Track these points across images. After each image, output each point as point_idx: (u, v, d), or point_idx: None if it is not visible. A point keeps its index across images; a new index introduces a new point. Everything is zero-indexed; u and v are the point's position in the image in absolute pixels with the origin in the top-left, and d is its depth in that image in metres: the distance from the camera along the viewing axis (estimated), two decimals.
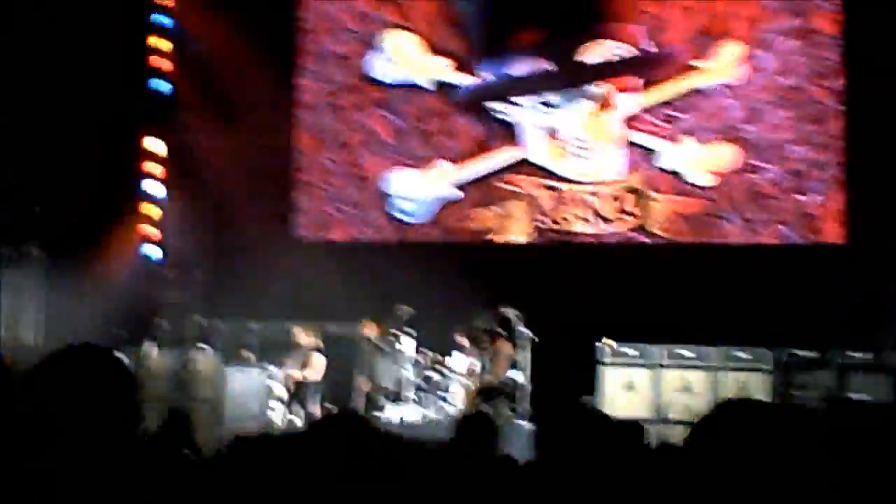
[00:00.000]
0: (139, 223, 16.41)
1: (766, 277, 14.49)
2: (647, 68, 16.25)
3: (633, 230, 16.15)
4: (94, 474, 2.43)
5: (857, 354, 13.08)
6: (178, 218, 16.17)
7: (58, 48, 14.65)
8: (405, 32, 16.83)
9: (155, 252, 16.42)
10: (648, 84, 16.17)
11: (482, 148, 16.55)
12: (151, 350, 13.80)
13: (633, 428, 6.59)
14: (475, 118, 16.55)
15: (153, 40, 16.52)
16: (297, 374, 13.63)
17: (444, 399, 13.74)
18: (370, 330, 13.98)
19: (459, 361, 13.91)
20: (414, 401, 13.69)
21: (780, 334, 13.48)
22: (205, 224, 15.93)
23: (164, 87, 16.59)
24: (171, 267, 15.78)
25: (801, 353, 13.34)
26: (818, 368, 13.13)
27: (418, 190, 16.67)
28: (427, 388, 13.73)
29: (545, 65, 16.35)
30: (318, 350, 14.08)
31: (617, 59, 16.16)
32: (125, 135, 15.95)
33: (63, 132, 14.77)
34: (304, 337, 14.05)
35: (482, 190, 16.54)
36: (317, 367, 13.89)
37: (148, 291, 15.38)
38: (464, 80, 16.59)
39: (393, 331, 13.94)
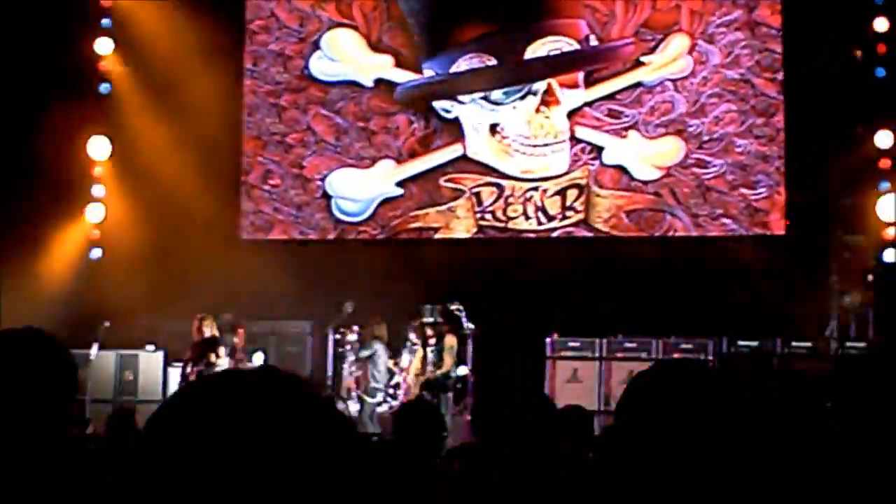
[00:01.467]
0: (84, 224, 16.64)
1: (707, 269, 14.76)
2: (590, 63, 16.56)
3: (576, 226, 16.39)
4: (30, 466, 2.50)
5: (798, 344, 13.67)
6: (122, 219, 16.46)
7: (7, 49, 15.20)
8: (346, 30, 17.10)
9: (99, 253, 16.61)
10: (592, 79, 16.45)
11: (425, 146, 16.82)
12: (95, 351, 14.21)
13: (576, 413, 6.92)
14: (417, 116, 16.85)
15: (100, 41, 16.77)
16: None
17: (390, 394, 14.23)
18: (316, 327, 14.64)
19: (405, 357, 14.39)
20: (359, 396, 14.22)
21: (722, 325, 13.86)
22: (149, 224, 16.18)
23: (106, 88, 16.86)
24: (116, 268, 16.00)
25: (742, 343, 13.93)
26: (759, 358, 13.64)
27: (360, 190, 16.89)
28: (374, 384, 14.17)
29: (488, 60, 16.61)
30: (258, 349, 14.58)
31: (560, 54, 16.45)
32: (71, 136, 16.12)
33: (9, 132, 15.27)
34: (239, 336, 14.52)
35: (425, 188, 16.78)
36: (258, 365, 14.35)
37: (92, 292, 15.64)
38: (406, 77, 16.85)
39: (339, 327, 14.53)
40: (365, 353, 14.37)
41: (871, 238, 14.31)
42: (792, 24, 15.56)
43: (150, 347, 14.88)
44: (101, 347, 13.95)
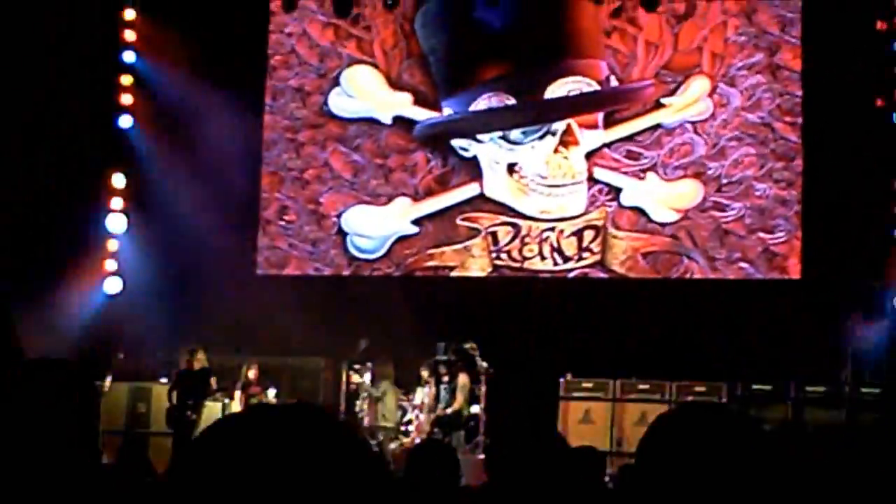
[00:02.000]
0: (101, 257, 17.02)
1: (722, 312, 14.98)
2: (610, 104, 16.86)
3: (592, 267, 16.62)
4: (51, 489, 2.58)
5: (813, 388, 13.88)
6: (139, 252, 16.87)
7: (29, 82, 15.64)
8: (365, 67, 17.48)
9: (116, 286, 16.95)
10: (612, 120, 16.74)
11: (442, 184, 17.14)
12: (108, 383, 14.53)
13: (588, 454, 6.95)
14: (435, 154, 17.19)
15: (122, 78, 17.29)
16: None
17: (402, 431, 14.49)
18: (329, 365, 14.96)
19: (419, 394, 14.68)
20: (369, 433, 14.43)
21: (737, 368, 14.03)
22: (165, 258, 16.53)
23: (126, 122, 17.29)
24: (132, 301, 16.34)
25: (757, 386, 14.12)
26: (774, 402, 13.81)
27: (376, 227, 17.19)
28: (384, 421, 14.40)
29: (507, 100, 16.97)
30: (271, 385, 14.94)
31: (580, 94, 16.75)
32: (90, 170, 16.59)
33: (28, 166, 15.56)
34: (254, 371, 14.87)
35: (441, 226, 17.06)
36: (271, 401, 14.65)
37: (108, 325, 16.02)
38: (424, 115, 17.19)
39: (353, 364, 14.86)
40: (376, 393, 14.65)
41: (888, 282, 14.54)
42: (812, 69, 15.78)
43: (164, 380, 15.16)
44: (114, 379, 14.29)
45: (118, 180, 17.14)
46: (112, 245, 17.12)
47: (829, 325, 14.04)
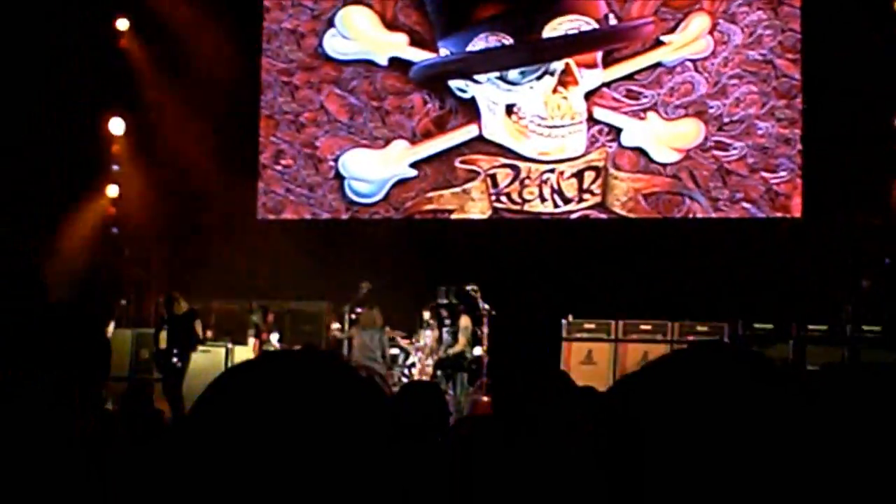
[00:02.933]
0: (102, 203, 17.65)
1: (724, 251, 15.51)
2: (609, 43, 17.38)
3: (593, 209, 17.21)
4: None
5: (815, 327, 14.61)
6: (139, 197, 17.45)
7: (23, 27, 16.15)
8: (360, 7, 17.99)
9: (116, 232, 17.61)
10: (611, 59, 17.25)
11: (439, 126, 17.68)
12: (111, 329, 15.25)
13: (589, 394, 7.89)
14: (432, 96, 17.72)
15: (119, 22, 17.77)
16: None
17: (406, 375, 15.12)
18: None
19: (422, 337, 15.34)
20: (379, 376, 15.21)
21: (738, 308, 14.63)
22: (166, 204, 17.19)
23: (125, 66, 17.74)
24: (132, 245, 17.10)
25: (759, 325, 14.85)
26: (776, 341, 14.53)
27: (374, 171, 17.79)
28: (389, 364, 15.18)
29: (504, 40, 17.45)
30: (275, 329, 15.70)
31: (579, 33, 17.25)
32: (90, 114, 17.17)
33: (27, 112, 16.03)
34: (270, 316, 15.68)
35: (439, 170, 17.64)
36: (275, 346, 15.44)
37: (109, 271, 16.73)
38: (421, 56, 17.71)
39: (355, 307, 15.60)
40: (341, 336, 15.37)
41: (890, 221, 15.17)
42: (812, 4, 16.31)
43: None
44: (116, 325, 15.02)
45: (117, 125, 17.69)
46: (112, 191, 17.71)
47: (830, 263, 14.77)
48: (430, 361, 14.99)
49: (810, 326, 14.35)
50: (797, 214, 16.52)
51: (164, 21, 17.51)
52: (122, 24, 17.76)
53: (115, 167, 17.64)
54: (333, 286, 15.84)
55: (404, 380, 14.82)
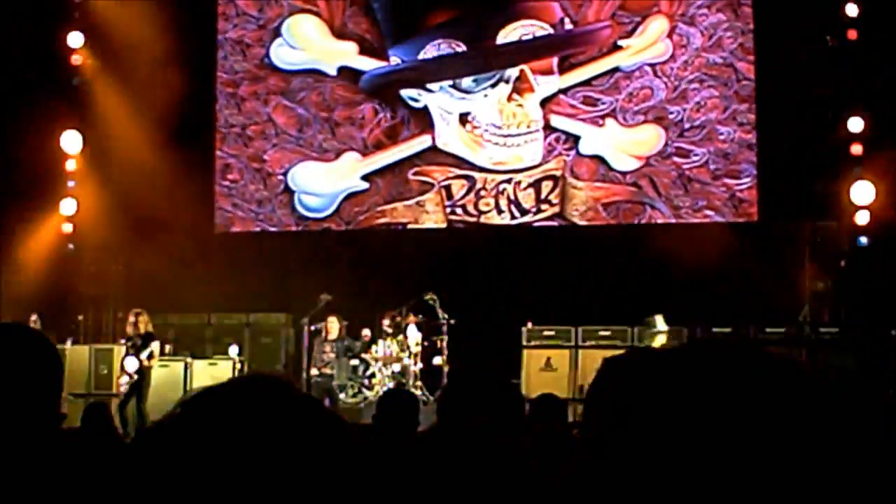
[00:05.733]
0: (58, 219, 19.58)
1: (681, 257, 16.93)
2: (565, 48, 19.35)
3: (551, 219, 19.15)
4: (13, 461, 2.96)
5: (772, 329, 16.54)
6: (96, 213, 19.36)
7: None
8: (308, 16, 19.94)
9: (73, 247, 19.54)
10: (567, 65, 19.21)
11: (391, 137, 19.58)
12: (69, 345, 17.18)
13: (548, 400, 8.46)
14: (384, 105, 19.65)
15: (72, 36, 19.69)
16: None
17: (365, 385, 17.19)
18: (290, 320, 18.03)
19: (380, 347, 17.35)
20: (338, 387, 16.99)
21: (696, 311, 16.64)
22: (123, 219, 19.03)
23: (79, 81, 19.77)
24: (90, 261, 19.05)
25: (717, 329, 16.59)
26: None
27: (324, 184, 19.72)
28: (349, 375, 17.24)
29: (457, 47, 19.40)
30: (233, 341, 18.10)
31: (533, 38, 19.23)
32: (44, 130, 19.13)
33: None
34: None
35: (392, 182, 19.54)
36: (234, 358, 17.59)
37: (66, 287, 18.70)
38: (371, 64, 19.62)
39: (315, 319, 17.38)
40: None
41: (844, 224, 17.30)
42: (764, 9, 18.35)
43: (124, 341, 18.00)
44: (74, 341, 17.38)
45: (73, 142, 19.68)
46: (68, 207, 19.66)
47: (786, 266, 16.87)
48: (389, 371, 17.13)
49: (768, 329, 16.86)
50: (755, 219, 18.52)
51: (117, 35, 19.44)
52: (75, 39, 19.75)
53: (71, 183, 19.59)
54: (293, 298, 17.92)
55: (365, 391, 17.24)
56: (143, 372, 16.00)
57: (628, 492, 1.76)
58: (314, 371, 16.93)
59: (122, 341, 16.79)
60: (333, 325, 17.14)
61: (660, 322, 16.79)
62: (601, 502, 1.80)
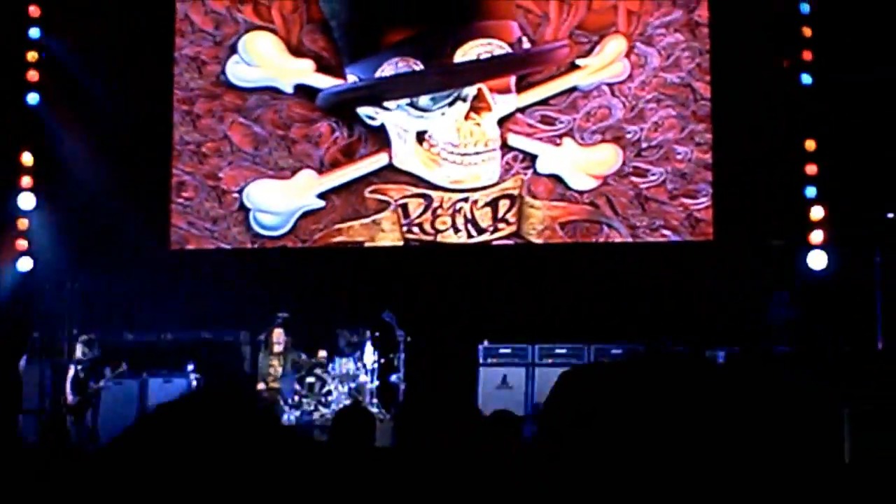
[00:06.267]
0: (12, 236, 19.99)
1: (638, 275, 18.20)
2: (523, 67, 19.93)
3: (508, 238, 19.69)
4: None
5: (727, 349, 16.97)
6: (50, 230, 19.89)
7: None
8: (264, 33, 20.45)
9: (28, 264, 19.91)
10: (525, 84, 19.78)
11: (348, 155, 20.08)
12: (23, 363, 17.59)
13: (503, 417, 8.76)
14: (340, 124, 20.16)
15: (29, 54, 20.11)
16: None
17: (321, 402, 17.65)
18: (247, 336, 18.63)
19: (337, 365, 17.90)
20: (291, 405, 17.58)
21: (653, 331, 17.17)
22: (78, 235, 19.58)
23: (33, 98, 20.17)
24: (45, 279, 19.34)
25: (676, 348, 17.68)
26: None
27: (280, 202, 20.21)
28: (304, 392, 17.72)
29: (415, 65, 19.96)
30: (190, 359, 18.60)
31: (491, 57, 19.78)
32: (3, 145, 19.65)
33: None
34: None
35: (348, 200, 20.01)
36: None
37: (21, 304, 19.18)
38: (328, 82, 20.13)
39: (279, 337, 18.04)
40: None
41: (798, 243, 17.97)
42: (720, 29, 19.10)
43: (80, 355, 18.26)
44: (29, 359, 17.68)
45: (27, 158, 20.07)
46: (23, 223, 20.07)
47: (741, 286, 17.50)
48: (345, 389, 17.63)
49: (723, 349, 17.50)
50: (711, 238, 19.12)
51: (72, 53, 20.14)
52: (32, 56, 20.23)
53: (26, 199, 20.03)
54: (250, 316, 18.47)
55: (322, 408, 17.79)
56: (96, 392, 16.52)
57: (583, 493, 1.91)
58: (261, 385, 17.49)
59: (72, 365, 17.36)
60: (278, 339, 17.82)
61: None
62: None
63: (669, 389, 1.98)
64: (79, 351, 17.58)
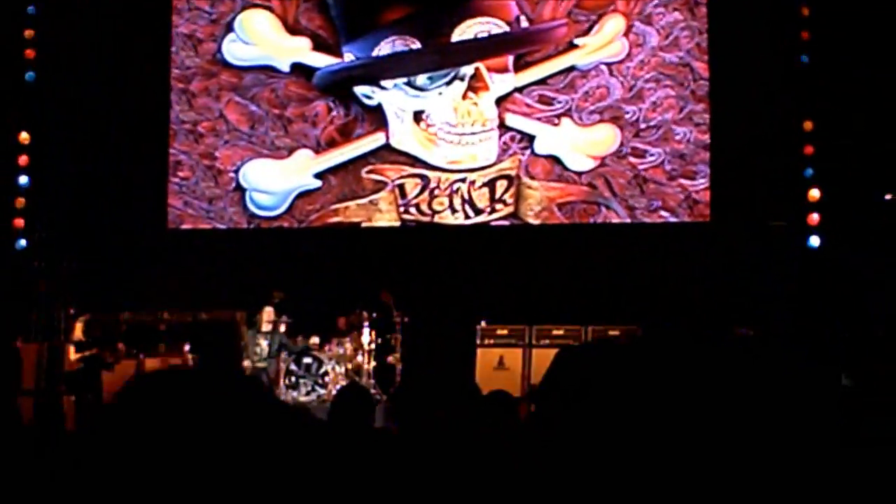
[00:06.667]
0: (10, 215, 20.38)
1: (636, 256, 18.56)
2: (521, 46, 20.25)
3: (505, 219, 19.99)
4: None
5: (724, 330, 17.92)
6: (48, 208, 20.26)
7: None
8: (261, 11, 20.75)
9: (25, 244, 20.31)
10: (522, 63, 20.08)
11: (345, 135, 20.39)
12: (19, 342, 18.26)
13: (499, 397, 9.05)
14: (337, 103, 20.48)
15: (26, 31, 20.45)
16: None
17: (319, 383, 18.09)
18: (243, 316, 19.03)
19: (334, 346, 18.33)
20: (287, 385, 18.02)
21: (650, 312, 17.48)
22: (75, 214, 19.97)
23: (29, 75, 20.50)
24: (40, 258, 19.66)
25: (671, 328, 18.33)
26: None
27: (276, 182, 20.53)
28: (302, 372, 18.16)
29: (412, 44, 20.28)
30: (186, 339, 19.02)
31: (489, 36, 20.11)
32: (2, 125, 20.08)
33: None
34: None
35: (345, 180, 20.34)
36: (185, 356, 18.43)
37: (18, 284, 19.48)
38: (324, 61, 20.42)
39: (269, 316, 18.40)
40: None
41: (797, 224, 18.37)
42: (718, 7, 19.42)
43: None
44: (25, 339, 17.99)
45: (24, 137, 20.44)
46: (20, 202, 20.47)
47: (739, 267, 17.97)
48: (342, 370, 18.09)
49: (721, 329, 17.89)
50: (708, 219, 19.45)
51: (69, 28, 20.38)
52: (28, 32, 20.58)
53: (23, 178, 20.50)
54: (247, 296, 18.80)
55: (319, 389, 18.23)
56: (95, 371, 16.94)
57: (579, 469, 1.94)
58: (247, 363, 17.91)
59: (73, 348, 17.78)
60: (267, 317, 18.29)
61: None
62: (552, 483, 1.97)
63: (666, 368, 2.00)
64: (78, 331, 17.93)
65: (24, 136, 20.69)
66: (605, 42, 20.16)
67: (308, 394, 18.16)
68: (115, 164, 20.11)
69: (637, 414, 1.94)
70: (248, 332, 18.37)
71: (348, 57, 20.70)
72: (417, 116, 20.45)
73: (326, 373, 18.33)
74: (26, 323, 18.45)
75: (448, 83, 20.39)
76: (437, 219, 20.41)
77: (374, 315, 18.56)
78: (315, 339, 18.54)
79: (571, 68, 20.21)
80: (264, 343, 18.14)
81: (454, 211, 20.40)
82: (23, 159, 20.72)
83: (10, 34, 20.54)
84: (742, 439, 1.96)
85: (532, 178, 20.21)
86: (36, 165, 20.69)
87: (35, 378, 17.53)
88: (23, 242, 20.46)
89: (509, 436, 7.47)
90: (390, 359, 18.47)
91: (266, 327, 18.36)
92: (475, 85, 20.27)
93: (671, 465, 1.91)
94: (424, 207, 20.49)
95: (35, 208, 20.58)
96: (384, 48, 20.55)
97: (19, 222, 20.60)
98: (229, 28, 21.08)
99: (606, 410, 1.96)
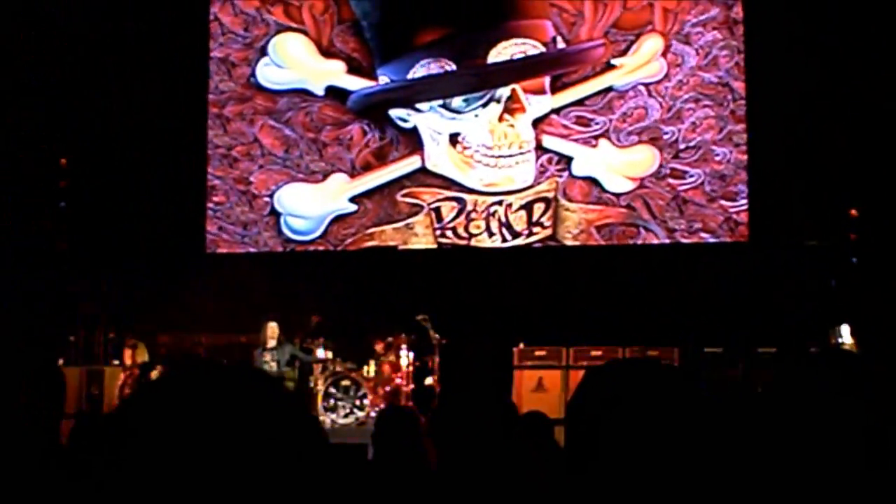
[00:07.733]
0: (51, 237, 21.31)
1: (673, 276, 19.41)
2: (557, 67, 21.05)
3: (543, 242, 20.78)
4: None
5: (764, 349, 18.11)
6: (88, 232, 21.21)
7: None
8: (295, 34, 21.73)
9: (65, 267, 21.05)
10: (559, 84, 20.91)
11: (380, 158, 21.30)
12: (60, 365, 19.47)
13: (536, 418, 9.38)
14: (372, 126, 21.38)
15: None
16: None
17: (357, 406, 18.93)
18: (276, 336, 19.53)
19: (371, 368, 19.14)
20: (325, 407, 18.84)
21: (688, 332, 18.41)
22: (115, 238, 20.92)
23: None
24: (82, 281, 20.66)
25: (709, 350, 18.36)
26: (725, 364, 18.41)
27: (311, 206, 21.43)
28: (340, 395, 18.98)
29: (447, 66, 21.11)
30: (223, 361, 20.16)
31: (525, 57, 20.93)
32: (42, 150, 21.12)
33: None
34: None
35: (380, 204, 21.22)
36: None
37: (59, 306, 20.46)
38: (359, 84, 21.31)
39: (308, 340, 19.28)
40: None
41: (835, 243, 19.12)
42: (755, 26, 20.28)
43: (116, 362, 19.62)
44: (66, 363, 18.77)
45: (64, 161, 21.38)
46: (63, 225, 21.37)
47: (777, 286, 18.79)
48: (381, 392, 18.86)
49: (759, 349, 18.65)
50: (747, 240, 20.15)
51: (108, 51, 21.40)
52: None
53: (62, 204, 21.52)
54: (285, 319, 19.59)
55: (357, 412, 19.15)
56: None
57: (610, 492, 2.04)
58: None
59: (121, 372, 18.87)
60: (271, 333, 19.17)
61: (845, 333, 18.30)
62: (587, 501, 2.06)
63: (693, 388, 2.16)
64: (127, 357, 18.94)
65: (64, 161, 21.61)
66: (642, 62, 20.95)
67: (346, 416, 19.01)
68: (153, 189, 21.10)
69: (661, 433, 2.12)
70: (256, 351, 19.17)
71: (383, 79, 21.51)
72: (453, 139, 21.24)
73: (364, 395, 19.14)
74: (66, 346, 19.41)
75: (484, 105, 21.16)
76: (473, 242, 21.18)
77: (412, 337, 19.36)
78: (321, 353, 19.42)
79: (609, 89, 21.00)
80: (269, 357, 19.04)
81: (491, 234, 21.18)
82: (63, 184, 21.64)
83: (51, 63, 21.58)
84: (764, 457, 2.26)
85: (570, 200, 21.01)
86: (75, 189, 21.61)
87: (76, 402, 18.50)
88: (63, 265, 21.29)
89: (546, 457, 8.22)
90: (428, 381, 19.27)
91: (271, 343, 19.20)
92: (511, 106, 21.06)
93: (699, 484, 2.08)
94: (461, 231, 21.27)
95: (74, 231, 21.47)
96: (419, 70, 21.33)
97: (62, 245, 21.51)
98: (263, 52, 21.99)
99: (633, 428, 2.13)
